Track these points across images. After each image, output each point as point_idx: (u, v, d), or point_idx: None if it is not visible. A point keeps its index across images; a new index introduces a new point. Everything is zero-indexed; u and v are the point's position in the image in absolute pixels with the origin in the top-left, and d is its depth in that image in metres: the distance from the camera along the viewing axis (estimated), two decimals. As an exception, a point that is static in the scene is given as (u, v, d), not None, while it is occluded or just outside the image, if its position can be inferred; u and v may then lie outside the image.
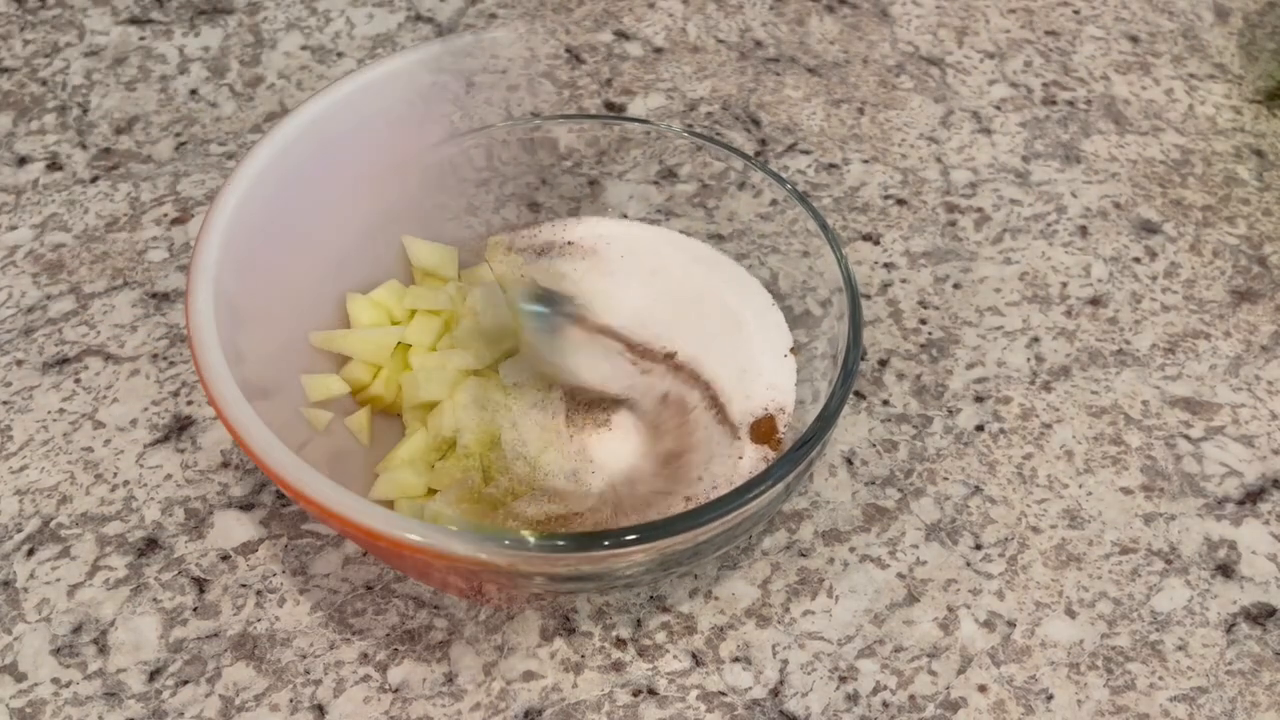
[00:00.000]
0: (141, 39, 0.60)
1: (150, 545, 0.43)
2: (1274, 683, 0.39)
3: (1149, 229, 0.52)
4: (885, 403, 0.46)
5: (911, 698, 0.39)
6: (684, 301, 0.45)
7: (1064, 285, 0.50)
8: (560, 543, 0.33)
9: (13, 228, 0.53)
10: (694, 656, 0.40)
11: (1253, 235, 0.52)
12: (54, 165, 0.55)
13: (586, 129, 0.46)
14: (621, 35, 0.61)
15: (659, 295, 0.45)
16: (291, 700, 0.39)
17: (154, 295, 0.50)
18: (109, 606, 0.41)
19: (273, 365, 0.40)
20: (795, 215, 0.42)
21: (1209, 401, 0.46)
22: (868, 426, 0.45)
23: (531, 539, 0.33)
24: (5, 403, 0.47)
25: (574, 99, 0.57)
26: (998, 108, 0.57)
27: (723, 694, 0.39)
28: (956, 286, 0.50)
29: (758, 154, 0.55)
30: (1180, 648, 0.40)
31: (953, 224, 0.52)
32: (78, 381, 0.47)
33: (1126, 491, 0.44)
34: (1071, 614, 0.41)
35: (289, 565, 0.42)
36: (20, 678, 0.40)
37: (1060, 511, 0.43)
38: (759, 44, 0.61)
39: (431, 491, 0.41)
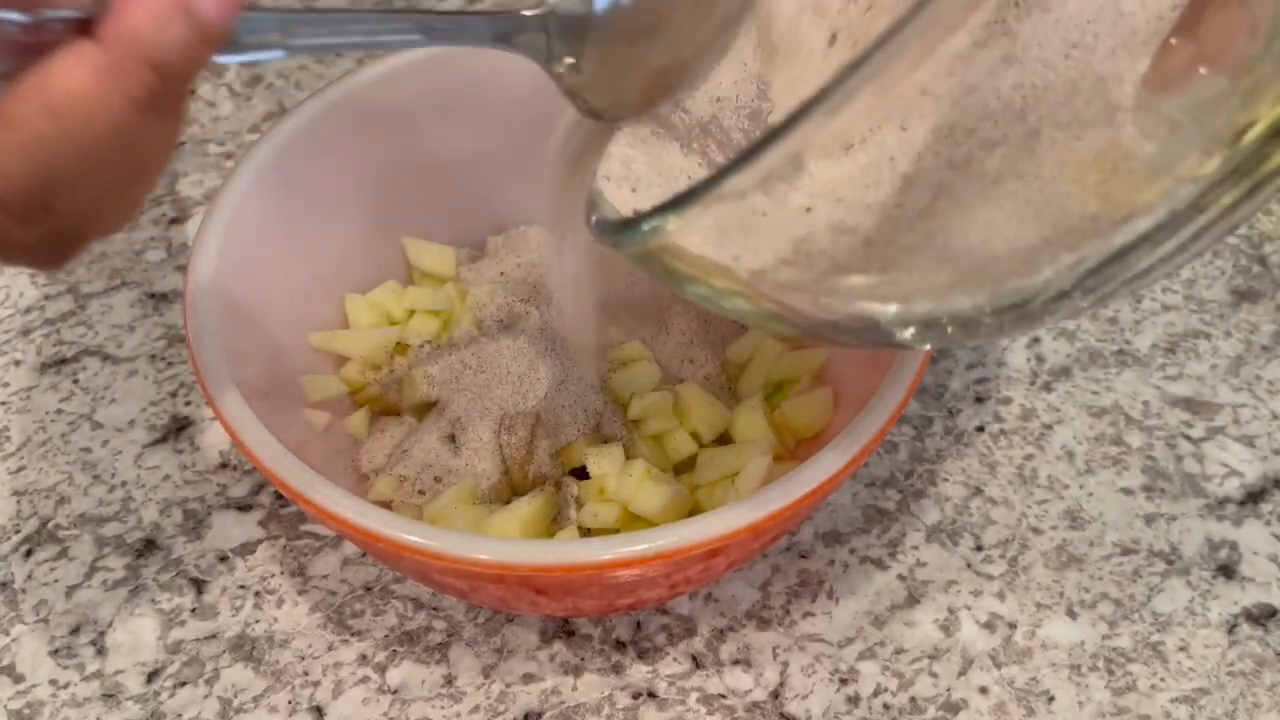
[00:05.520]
0: (140, 38, 0.60)
1: (148, 546, 0.43)
2: (1275, 684, 0.39)
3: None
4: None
5: (912, 699, 0.39)
6: None
7: (1064, 285, 0.50)
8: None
9: (10, 228, 0.52)
10: (694, 659, 0.40)
11: (1253, 235, 0.52)
12: (52, 165, 0.55)
13: None
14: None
15: None
16: (290, 702, 0.39)
17: (152, 295, 0.50)
18: (107, 608, 0.41)
19: (271, 366, 0.40)
20: None
21: (1210, 401, 0.46)
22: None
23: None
24: (3, 403, 0.47)
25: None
26: (998, 107, 0.57)
27: (723, 696, 0.39)
28: (957, 286, 0.50)
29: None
30: (1182, 649, 0.40)
31: (953, 224, 0.52)
32: (76, 382, 0.47)
33: (1127, 492, 0.44)
34: (1072, 615, 0.41)
35: (287, 566, 0.42)
36: (18, 679, 0.39)
37: (1061, 512, 0.43)
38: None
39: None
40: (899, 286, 0.28)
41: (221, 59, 0.25)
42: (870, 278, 0.28)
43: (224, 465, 0.45)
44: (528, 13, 0.31)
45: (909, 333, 0.28)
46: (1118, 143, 0.27)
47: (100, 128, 0.23)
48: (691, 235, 0.27)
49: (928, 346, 0.29)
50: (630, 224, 0.27)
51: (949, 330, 0.28)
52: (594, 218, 0.30)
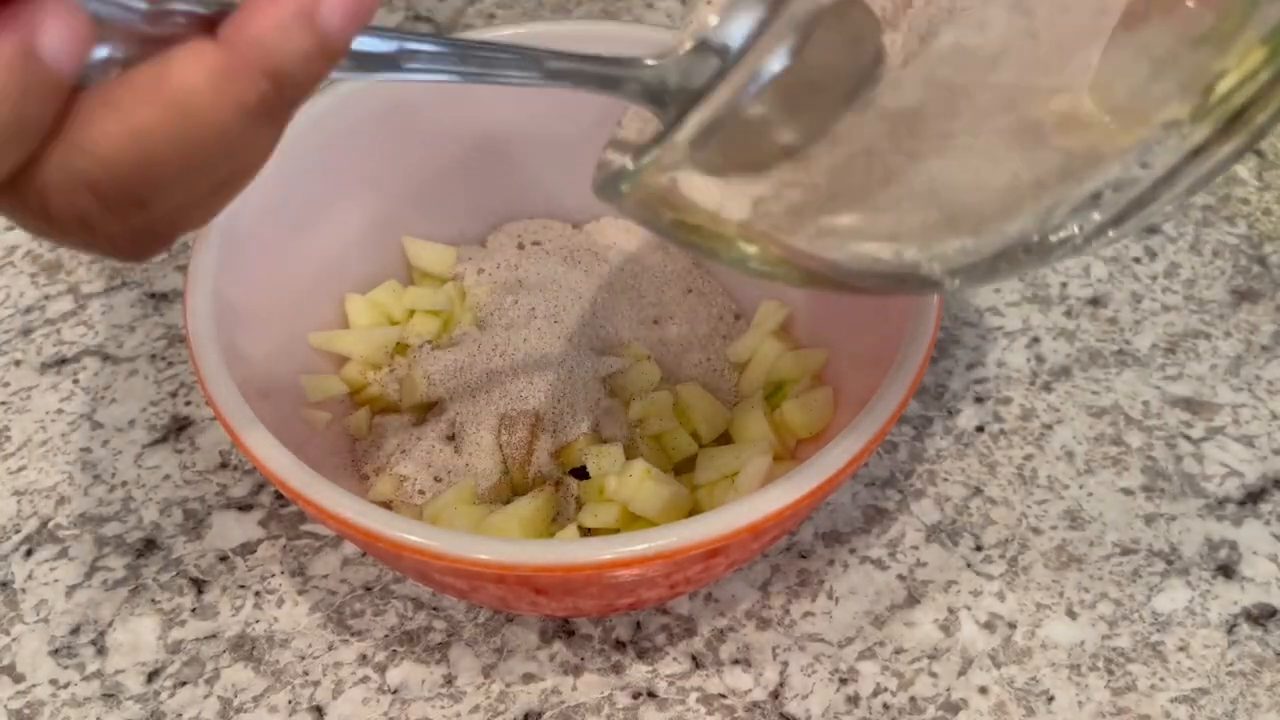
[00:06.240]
0: (140, 38, 0.60)
1: (148, 546, 0.43)
2: (1275, 684, 0.39)
3: (1149, 228, 0.52)
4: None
5: (912, 699, 0.39)
6: None
7: (1064, 285, 0.50)
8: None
9: (10, 227, 0.52)
10: (694, 659, 0.40)
11: (1253, 235, 0.52)
12: (52, 165, 0.55)
13: None
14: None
15: None
16: (290, 701, 0.39)
17: (152, 295, 0.50)
18: (107, 607, 0.41)
19: (271, 366, 0.40)
20: None
21: (1209, 401, 0.46)
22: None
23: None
24: (3, 403, 0.47)
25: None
26: (998, 107, 0.57)
27: (723, 696, 0.39)
28: (957, 286, 0.50)
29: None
30: (1181, 649, 0.40)
31: (953, 224, 0.52)
32: (76, 382, 0.47)
33: (1127, 492, 0.44)
34: (1072, 615, 0.41)
35: (287, 566, 0.42)
36: (18, 679, 0.39)
37: (1061, 512, 0.43)
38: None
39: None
40: (887, 227, 0.29)
41: (335, 75, 0.25)
42: (856, 216, 0.29)
43: (224, 465, 0.45)
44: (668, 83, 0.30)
45: (910, 267, 0.29)
46: (1100, 86, 0.28)
47: (208, 129, 0.23)
48: (687, 178, 0.27)
49: (939, 290, 0.29)
50: (624, 170, 0.27)
51: (949, 271, 0.29)
52: (596, 180, 0.30)
